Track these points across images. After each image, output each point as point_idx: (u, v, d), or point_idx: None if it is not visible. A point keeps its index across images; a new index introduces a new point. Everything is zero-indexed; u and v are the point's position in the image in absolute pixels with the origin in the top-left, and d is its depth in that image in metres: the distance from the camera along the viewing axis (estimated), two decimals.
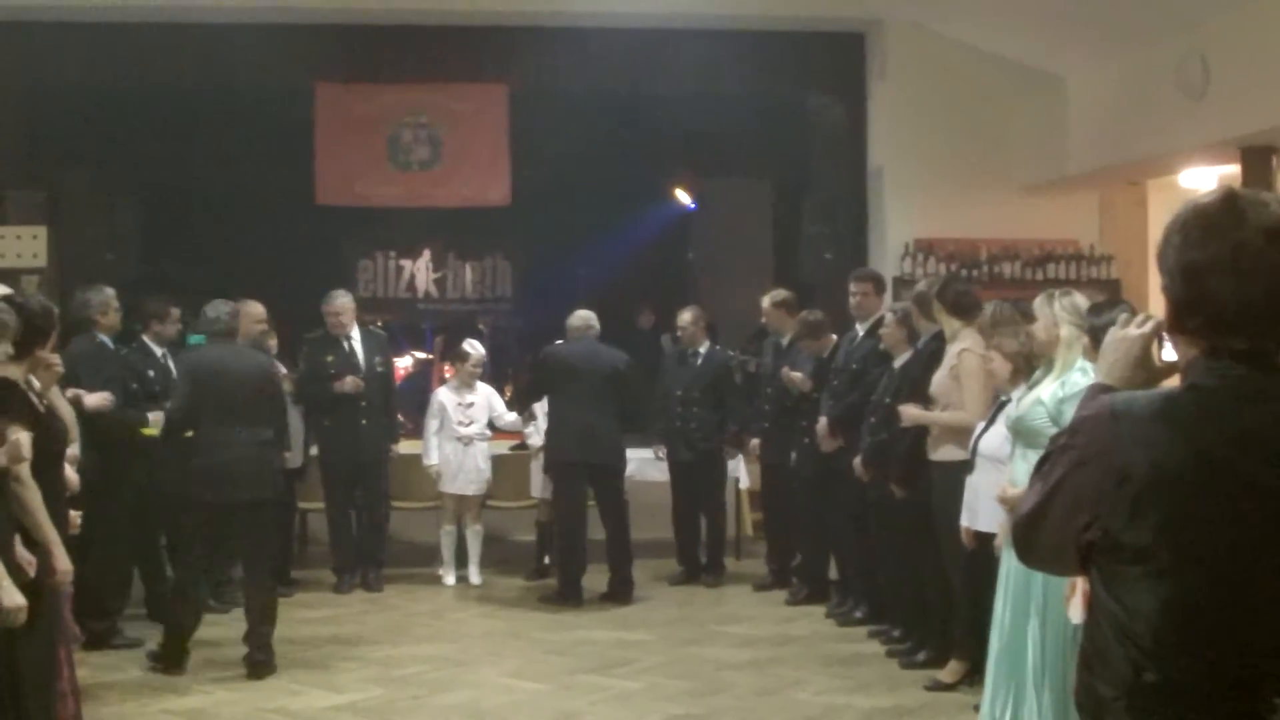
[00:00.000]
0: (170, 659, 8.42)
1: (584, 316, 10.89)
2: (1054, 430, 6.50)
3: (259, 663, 8.39)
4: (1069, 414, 6.38)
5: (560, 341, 11.03)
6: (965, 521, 7.31)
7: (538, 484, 11.38)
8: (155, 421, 9.15)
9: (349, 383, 10.66)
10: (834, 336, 10.16)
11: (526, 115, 13.87)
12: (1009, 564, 6.74)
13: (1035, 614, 6.59)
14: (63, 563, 5.79)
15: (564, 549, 10.71)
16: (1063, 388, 6.54)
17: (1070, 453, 2.88)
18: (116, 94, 13.45)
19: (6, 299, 5.80)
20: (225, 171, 14.33)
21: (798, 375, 10.18)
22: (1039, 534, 2.92)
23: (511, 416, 11.50)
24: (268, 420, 8.89)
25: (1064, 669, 6.54)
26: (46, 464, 5.60)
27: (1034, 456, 6.57)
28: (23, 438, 5.47)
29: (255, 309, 10.23)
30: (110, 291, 9.38)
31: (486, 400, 11.46)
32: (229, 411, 8.52)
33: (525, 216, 15.29)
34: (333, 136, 13.82)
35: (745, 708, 7.70)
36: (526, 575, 11.49)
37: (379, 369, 11.17)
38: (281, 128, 14.18)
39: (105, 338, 9.29)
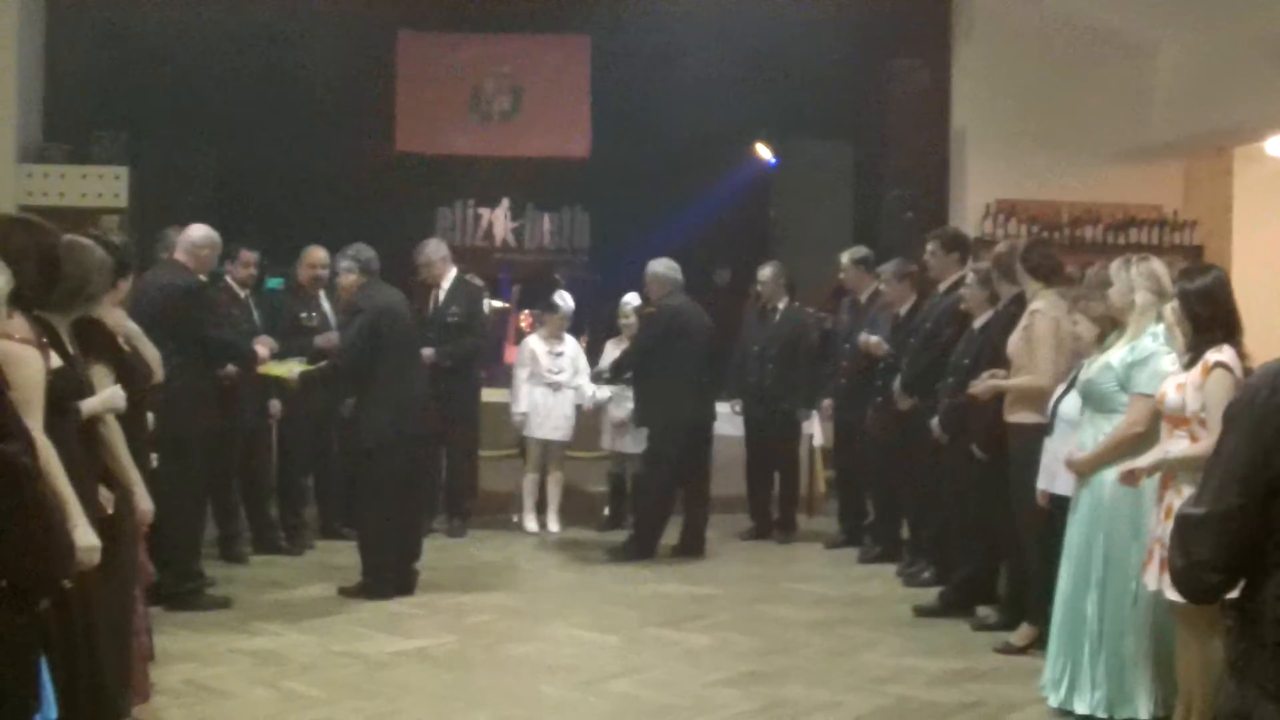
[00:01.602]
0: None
1: (675, 267, 10.82)
2: (1121, 395, 6.48)
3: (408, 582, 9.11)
4: (1137, 379, 6.36)
5: (667, 297, 10.81)
6: (1042, 485, 7.26)
7: (608, 437, 11.41)
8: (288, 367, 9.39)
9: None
10: (914, 295, 10.09)
11: (609, 68, 13.84)
12: (1073, 531, 6.72)
13: (1095, 584, 6.59)
14: (144, 503, 5.84)
15: (658, 506, 10.70)
16: (1132, 352, 6.50)
17: None
18: (201, 37, 13.51)
19: (93, 237, 5.82)
20: (305, 117, 14.35)
21: (874, 339, 10.13)
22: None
23: (593, 390, 11.56)
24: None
25: (1120, 638, 6.54)
26: (128, 404, 5.63)
27: (1101, 421, 6.58)
28: (117, 390, 5.51)
29: (317, 254, 10.33)
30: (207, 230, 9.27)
31: (576, 352, 11.52)
32: (410, 349, 9.25)
33: (604, 169, 15.24)
34: (415, 85, 13.84)
35: (814, 668, 7.67)
36: (599, 526, 11.53)
37: (452, 319, 11.07)
38: (363, 75, 14.19)
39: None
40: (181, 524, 8.12)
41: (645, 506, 10.77)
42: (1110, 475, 6.43)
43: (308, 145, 14.17)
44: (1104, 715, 6.56)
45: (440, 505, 11.18)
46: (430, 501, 10.75)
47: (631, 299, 11.60)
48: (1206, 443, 5.80)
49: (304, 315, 10.36)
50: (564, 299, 11.71)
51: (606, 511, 11.75)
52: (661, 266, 10.78)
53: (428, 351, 10.23)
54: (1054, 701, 6.75)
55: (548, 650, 7.92)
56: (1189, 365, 5.94)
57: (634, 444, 11.27)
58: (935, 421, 8.87)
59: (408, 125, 14.26)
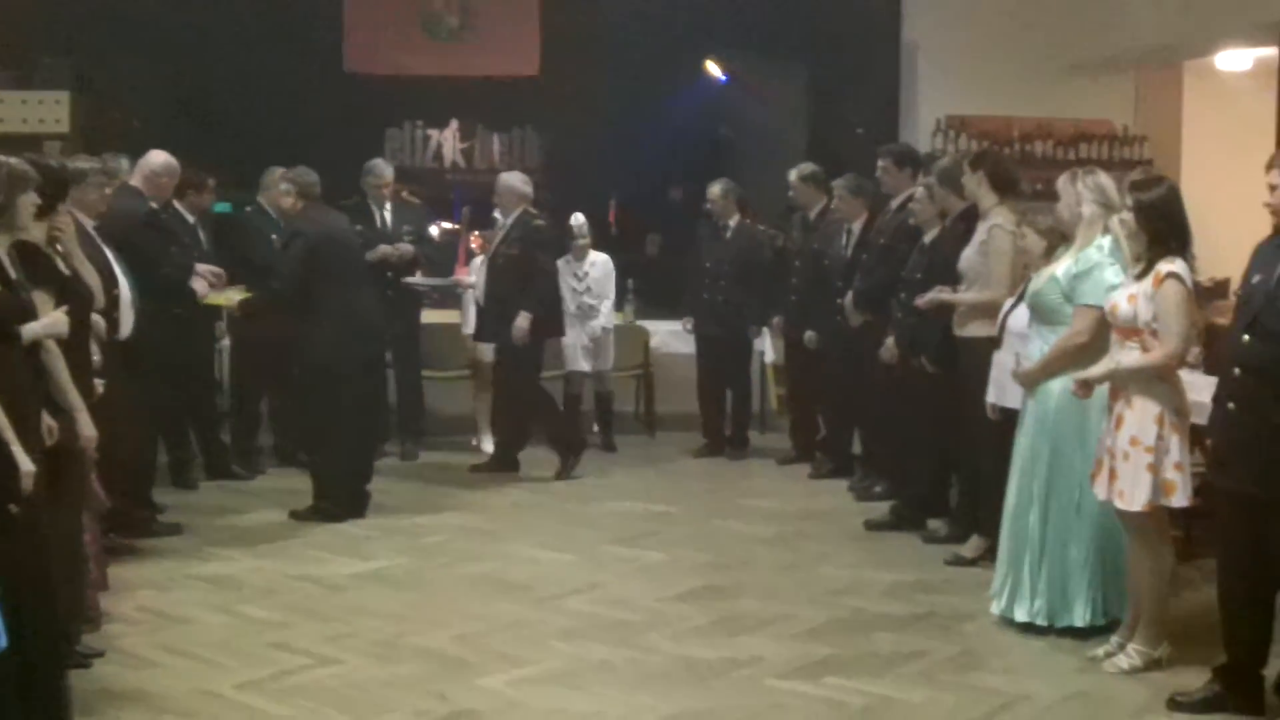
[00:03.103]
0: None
1: (528, 180, 10.73)
2: (1067, 307, 6.50)
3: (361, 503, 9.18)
4: (1081, 290, 6.38)
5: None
6: (992, 398, 7.30)
7: (582, 359, 11.39)
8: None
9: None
10: (866, 212, 10.06)
11: None
12: (1021, 443, 6.76)
13: (1040, 494, 6.63)
14: (87, 429, 5.79)
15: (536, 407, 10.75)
16: (1077, 264, 6.52)
17: None
18: None
19: (31, 161, 5.73)
20: (252, 38, 14.19)
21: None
22: None
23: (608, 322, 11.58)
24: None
25: (1063, 547, 6.60)
26: (71, 329, 5.58)
27: (1048, 333, 6.61)
28: (60, 315, 5.45)
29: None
30: (166, 158, 9.20)
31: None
32: (355, 271, 9.26)
33: (555, 88, 15.16)
34: (363, 5, 13.69)
35: (768, 581, 7.72)
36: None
37: (407, 239, 11.08)
38: None
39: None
40: (133, 451, 8.07)
41: (531, 414, 10.77)
42: (1056, 386, 6.46)
43: (255, 69, 14.03)
44: (1043, 623, 6.63)
45: (392, 428, 11.15)
46: (382, 425, 10.72)
47: (581, 218, 11.55)
48: (1158, 353, 5.84)
49: (275, 237, 10.23)
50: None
51: (595, 427, 11.76)
52: (516, 179, 10.70)
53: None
54: (995, 609, 6.83)
55: (504, 569, 7.95)
56: (1141, 276, 5.95)
57: (591, 363, 11.39)
58: (890, 341, 8.87)
59: (356, 46, 14.13)
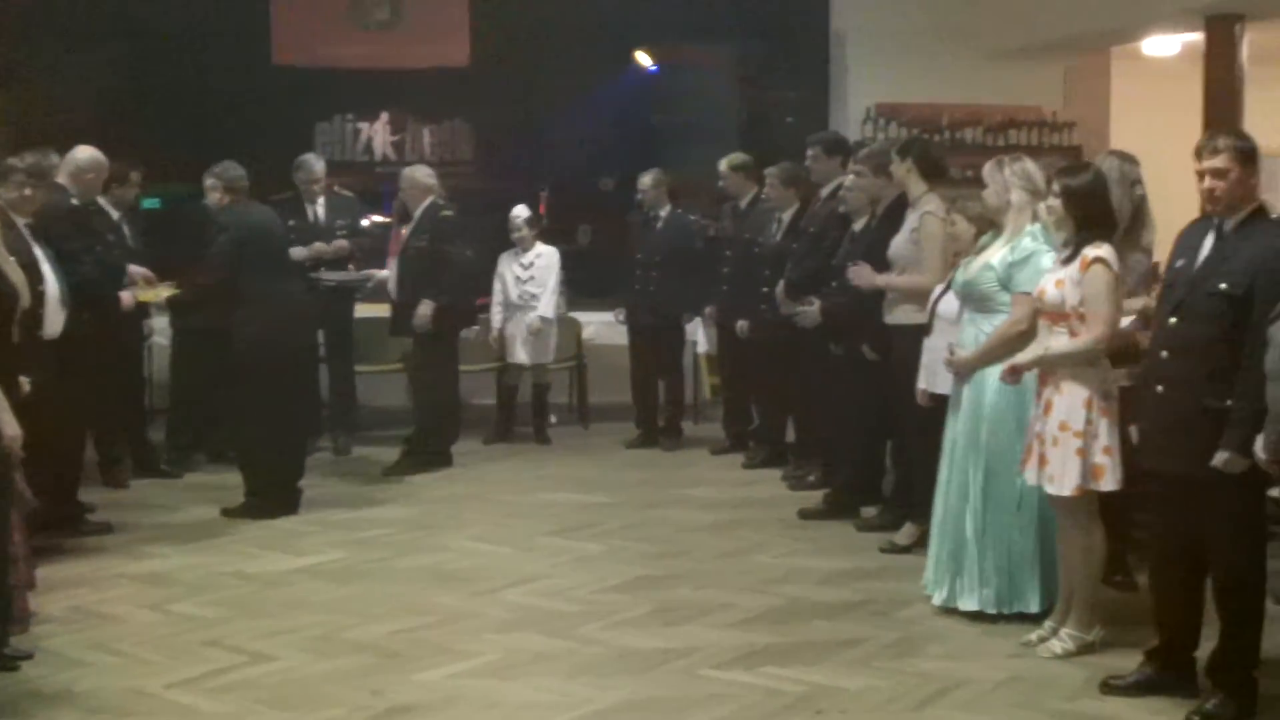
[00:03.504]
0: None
1: (433, 174, 10.76)
2: (1003, 295, 6.54)
3: (294, 498, 9.14)
4: (1018, 278, 6.42)
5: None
6: (923, 384, 7.32)
7: (520, 351, 11.36)
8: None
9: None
10: (798, 201, 10.08)
11: None
12: (955, 430, 6.78)
13: (978, 482, 6.65)
14: (10, 428, 5.72)
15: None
16: (1013, 252, 6.54)
17: None
18: None
19: None
20: (180, 31, 14.07)
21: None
22: None
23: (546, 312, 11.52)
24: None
25: (1009, 533, 6.63)
26: None
27: (982, 321, 6.64)
28: None
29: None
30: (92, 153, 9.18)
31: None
32: (281, 265, 9.20)
33: (486, 79, 15.11)
34: None
35: (706, 570, 7.73)
36: (485, 439, 11.49)
37: (340, 233, 11.06)
38: None
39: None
40: (61, 450, 8.01)
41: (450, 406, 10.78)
42: (993, 374, 6.46)
43: (183, 62, 13.92)
44: (993, 611, 6.65)
45: (325, 423, 11.09)
46: (314, 420, 10.66)
47: (521, 211, 11.53)
48: (1086, 337, 5.88)
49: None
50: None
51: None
52: (420, 173, 10.70)
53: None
54: (937, 600, 6.84)
55: (441, 562, 7.93)
56: (1068, 261, 5.99)
57: (530, 356, 11.38)
58: (808, 309, 8.94)
59: (284, 37, 14.02)
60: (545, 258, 11.48)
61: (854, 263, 8.36)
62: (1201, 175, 5.32)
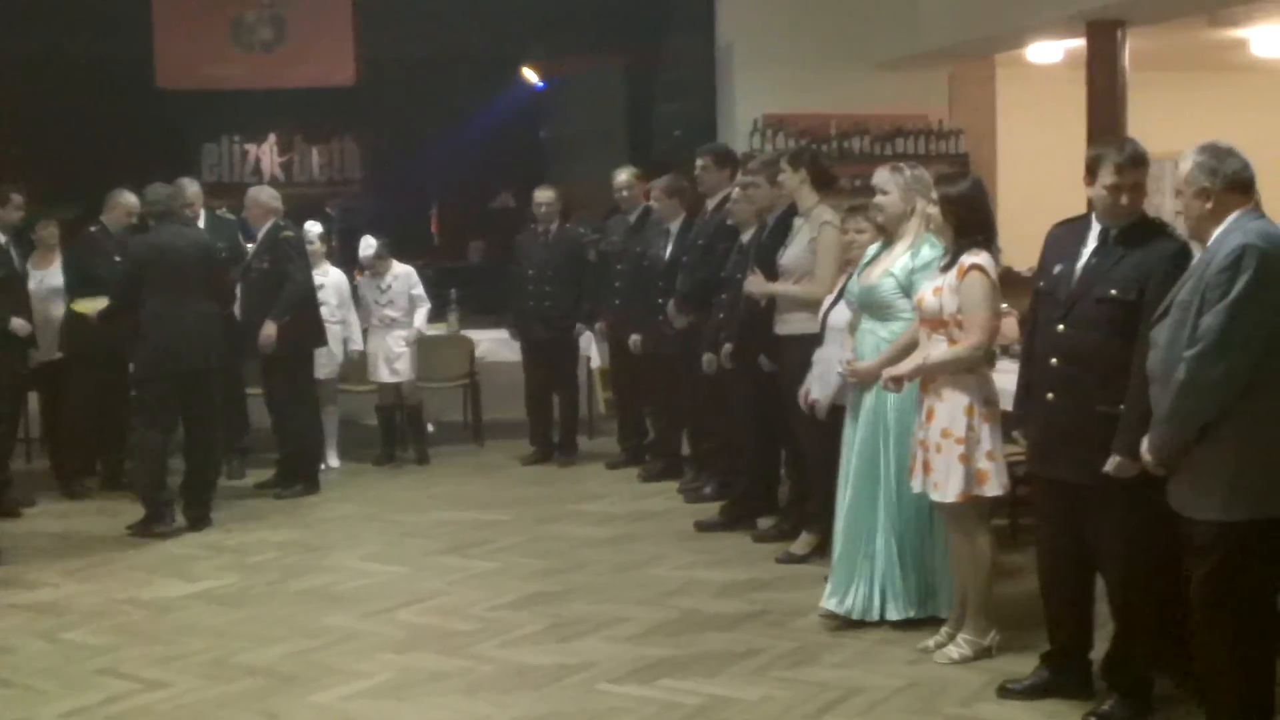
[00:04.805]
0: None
1: (277, 196, 10.73)
2: (903, 302, 6.57)
3: (200, 517, 9.19)
4: (919, 285, 6.44)
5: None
6: (816, 394, 7.33)
7: (384, 369, 11.27)
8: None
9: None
10: (684, 212, 10.11)
11: None
12: (855, 439, 6.80)
13: (885, 490, 6.65)
14: None
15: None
16: (914, 259, 6.57)
17: None
18: None
19: None
20: (61, 54, 13.94)
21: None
22: None
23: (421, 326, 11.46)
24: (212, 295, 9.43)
25: (921, 538, 6.66)
26: None
27: (880, 329, 6.67)
28: None
29: (130, 199, 10.12)
30: None
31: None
32: (176, 288, 9.04)
33: (373, 98, 15.09)
34: (173, 17, 13.50)
35: (603, 584, 7.74)
36: (375, 460, 11.42)
37: (222, 255, 10.93)
38: (118, 11, 13.79)
39: None
40: None
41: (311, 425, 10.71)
42: None
43: (67, 87, 13.79)
44: (910, 615, 6.66)
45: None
46: (212, 441, 10.54)
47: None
48: (965, 344, 5.94)
49: (119, 260, 10.04)
50: (309, 225, 11.41)
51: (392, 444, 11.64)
52: (264, 194, 10.65)
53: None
54: (841, 609, 6.76)
55: (334, 583, 7.88)
56: (946, 268, 6.05)
57: (391, 374, 11.29)
58: (707, 358, 8.94)
59: (167, 60, 13.90)
60: (401, 279, 11.38)
61: (752, 271, 8.36)
62: (1118, 188, 5.30)
